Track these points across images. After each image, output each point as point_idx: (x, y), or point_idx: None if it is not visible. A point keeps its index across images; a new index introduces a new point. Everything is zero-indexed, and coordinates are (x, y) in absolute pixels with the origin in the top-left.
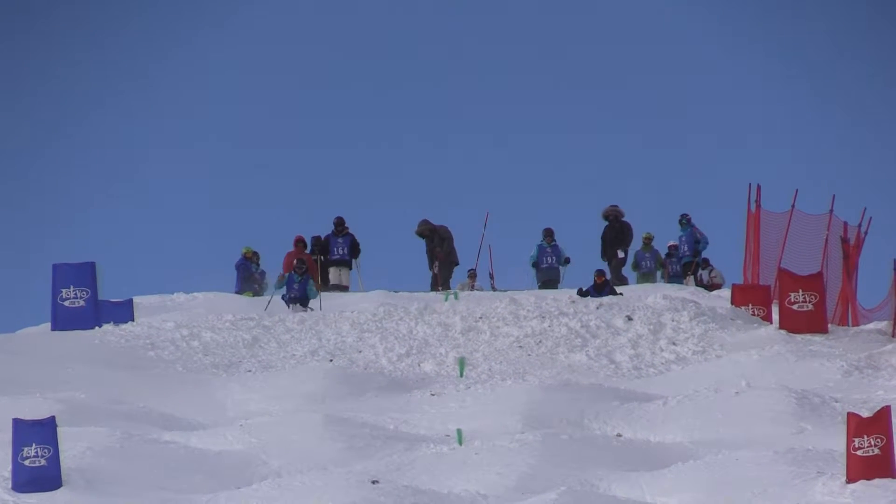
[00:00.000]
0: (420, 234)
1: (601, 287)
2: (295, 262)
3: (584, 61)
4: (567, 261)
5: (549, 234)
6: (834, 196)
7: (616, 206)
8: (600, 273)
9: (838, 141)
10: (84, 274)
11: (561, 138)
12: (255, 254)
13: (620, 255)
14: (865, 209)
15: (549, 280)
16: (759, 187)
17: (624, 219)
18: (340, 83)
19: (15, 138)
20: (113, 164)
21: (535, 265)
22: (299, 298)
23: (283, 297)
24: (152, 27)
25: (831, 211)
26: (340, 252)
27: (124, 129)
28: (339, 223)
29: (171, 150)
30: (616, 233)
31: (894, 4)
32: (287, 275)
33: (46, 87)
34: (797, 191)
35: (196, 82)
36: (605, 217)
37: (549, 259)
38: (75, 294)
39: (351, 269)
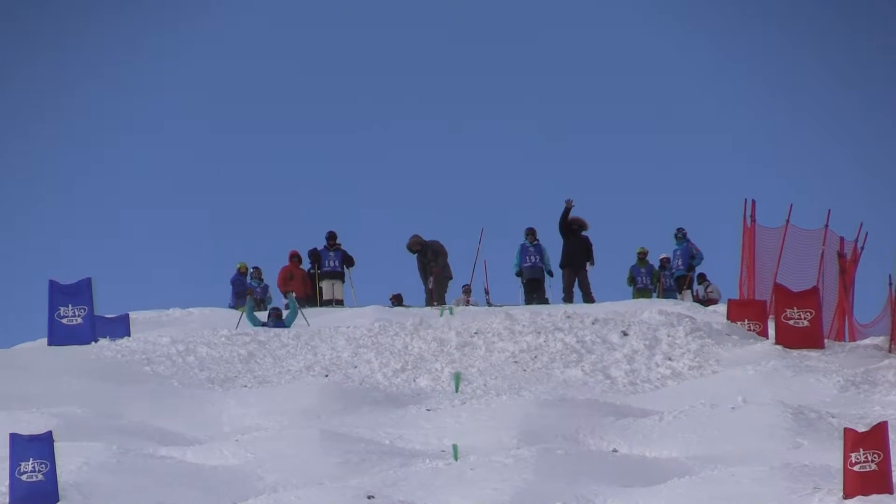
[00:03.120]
0: (410, 248)
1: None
2: (269, 311)
3: (579, 76)
4: (550, 273)
5: (531, 233)
6: (829, 211)
7: (577, 217)
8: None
9: (834, 156)
10: (81, 291)
11: (554, 152)
12: (257, 269)
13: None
14: (862, 224)
15: (532, 279)
16: (753, 202)
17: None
18: (334, 95)
19: (7, 153)
20: (110, 178)
21: (519, 273)
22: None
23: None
24: (122, 30)
25: (826, 226)
26: (332, 265)
27: (119, 144)
28: (331, 237)
29: (168, 164)
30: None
31: (887, 20)
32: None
33: (39, 93)
34: (791, 206)
35: (194, 92)
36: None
37: (533, 258)
38: (73, 312)
39: (344, 281)
